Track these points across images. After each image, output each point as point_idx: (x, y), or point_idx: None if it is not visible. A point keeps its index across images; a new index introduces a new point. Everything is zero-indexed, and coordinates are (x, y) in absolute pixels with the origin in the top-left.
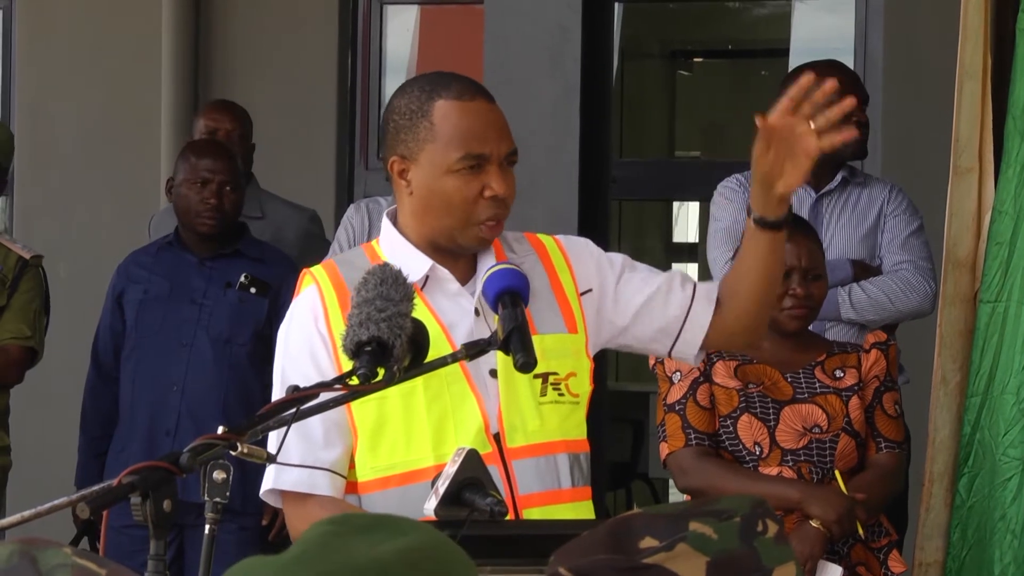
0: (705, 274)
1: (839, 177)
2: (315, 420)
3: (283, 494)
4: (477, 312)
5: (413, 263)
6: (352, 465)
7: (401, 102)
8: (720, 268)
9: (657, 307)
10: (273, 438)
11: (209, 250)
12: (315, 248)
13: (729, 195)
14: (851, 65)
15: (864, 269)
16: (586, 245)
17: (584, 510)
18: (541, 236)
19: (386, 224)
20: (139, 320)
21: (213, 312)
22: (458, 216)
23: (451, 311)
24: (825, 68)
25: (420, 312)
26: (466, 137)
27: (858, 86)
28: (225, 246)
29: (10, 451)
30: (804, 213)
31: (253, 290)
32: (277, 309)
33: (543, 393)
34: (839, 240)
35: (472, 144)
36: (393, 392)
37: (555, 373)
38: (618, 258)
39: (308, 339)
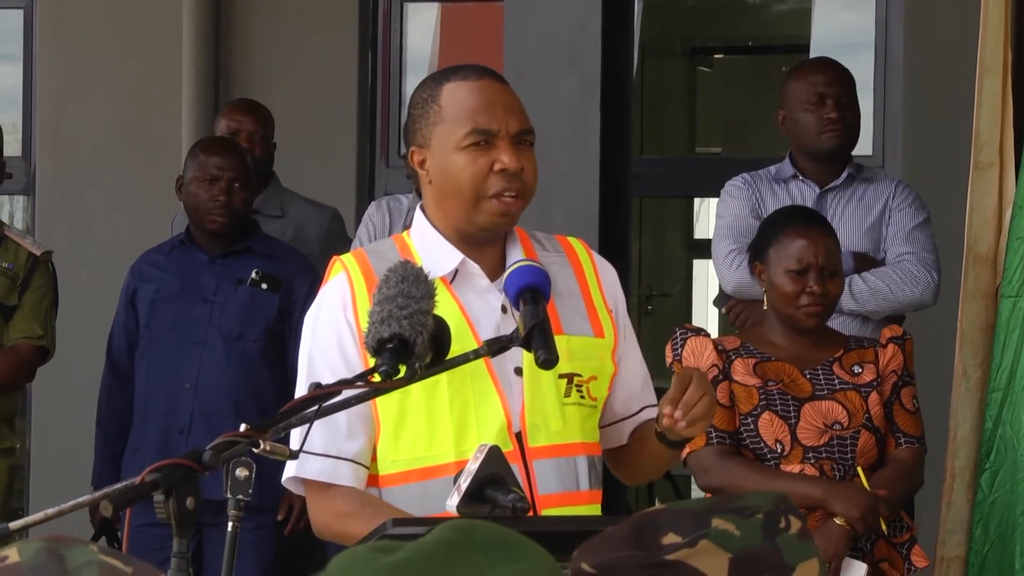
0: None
1: (845, 173)
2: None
3: (305, 482)
4: (504, 309)
5: (443, 256)
6: (374, 457)
7: (416, 95)
8: (721, 260)
9: (619, 393)
10: (296, 431)
11: (220, 247)
12: (337, 246)
13: (734, 192)
14: (872, 61)
15: (865, 261)
16: (613, 271)
17: (596, 513)
18: (572, 240)
19: (418, 215)
20: (151, 319)
21: (224, 309)
22: (469, 194)
23: (479, 306)
24: (816, 65)
25: (448, 306)
26: (471, 113)
27: (845, 82)
28: (236, 243)
29: (15, 452)
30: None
31: (264, 286)
32: (289, 305)
33: (567, 394)
34: (843, 233)
35: (478, 119)
36: (416, 386)
37: (579, 375)
38: (627, 316)
39: (336, 326)
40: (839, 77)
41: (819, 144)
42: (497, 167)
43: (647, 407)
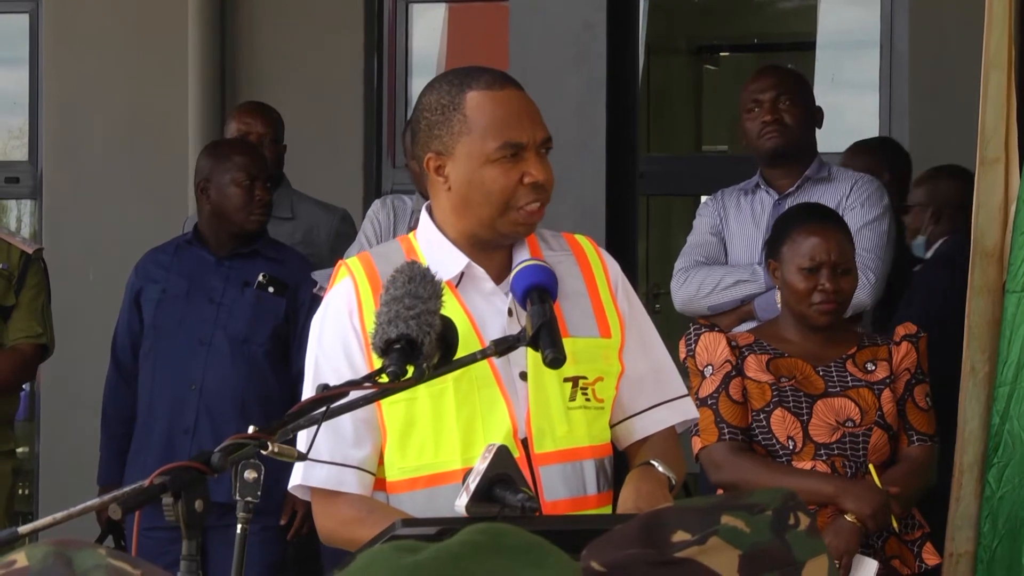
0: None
1: (801, 177)
2: (345, 418)
3: (312, 490)
4: (511, 312)
5: (449, 260)
6: (381, 462)
7: (431, 98)
8: (673, 277)
9: (626, 388)
10: (302, 436)
11: (228, 249)
12: (347, 248)
13: (702, 211)
14: (877, 57)
15: None
16: (616, 265)
17: None
18: (578, 237)
19: (424, 218)
20: (157, 319)
21: (231, 311)
22: (498, 205)
23: (484, 310)
24: (755, 74)
25: (454, 310)
26: (502, 126)
27: (783, 85)
28: (243, 245)
29: (15, 454)
30: (765, 216)
31: (271, 289)
32: (295, 308)
33: (572, 398)
34: None
35: (509, 132)
36: (423, 393)
37: (584, 377)
38: (637, 307)
39: (341, 332)
40: (775, 81)
41: (760, 147)
42: (527, 180)
43: (659, 405)
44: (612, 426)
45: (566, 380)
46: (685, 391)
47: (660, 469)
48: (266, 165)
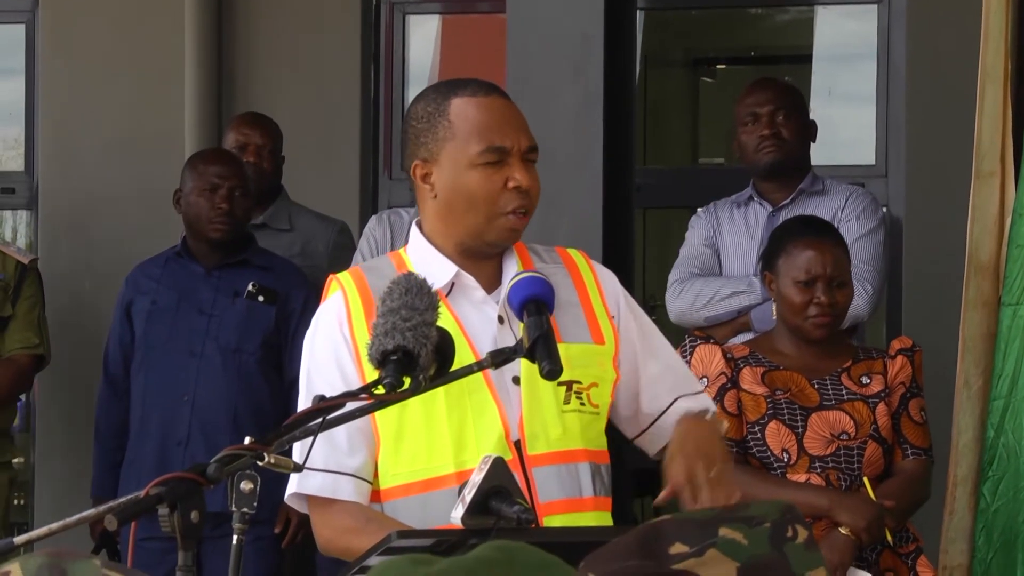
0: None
1: (796, 190)
2: (339, 427)
3: (308, 498)
4: (501, 320)
5: (439, 270)
6: (377, 473)
7: (418, 107)
8: (668, 289)
9: (645, 393)
10: (298, 447)
11: (217, 260)
12: (345, 259)
13: (694, 223)
14: (874, 71)
15: None
16: (613, 276)
17: (604, 521)
18: (571, 250)
19: (414, 231)
20: (148, 331)
21: (222, 321)
22: (483, 211)
23: (475, 319)
24: (750, 87)
25: (444, 319)
26: (485, 130)
27: (780, 98)
28: (232, 255)
29: (13, 465)
30: (759, 228)
31: (261, 298)
32: (285, 317)
33: (566, 401)
34: None
35: (492, 137)
36: (414, 399)
37: (578, 382)
38: (641, 315)
39: (333, 345)
40: (772, 95)
41: (758, 161)
42: (511, 184)
43: (681, 397)
44: (638, 435)
45: (560, 384)
46: (701, 387)
47: (707, 417)
48: (239, 174)
